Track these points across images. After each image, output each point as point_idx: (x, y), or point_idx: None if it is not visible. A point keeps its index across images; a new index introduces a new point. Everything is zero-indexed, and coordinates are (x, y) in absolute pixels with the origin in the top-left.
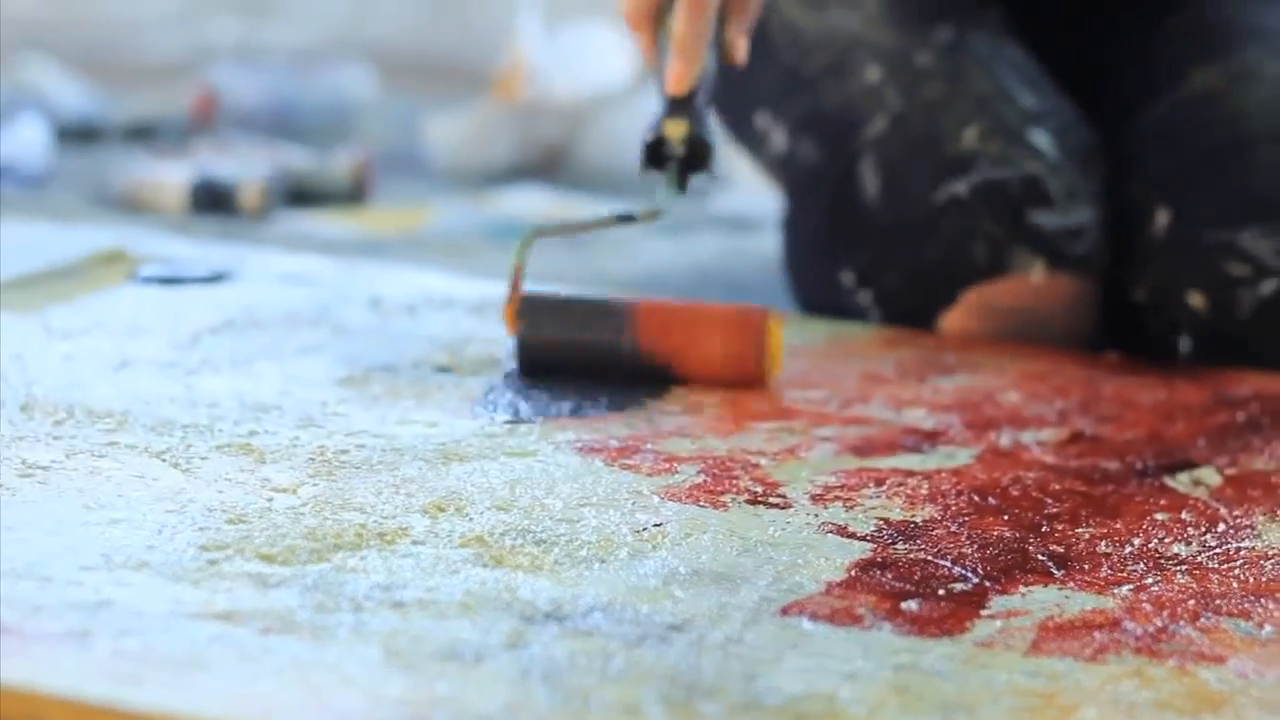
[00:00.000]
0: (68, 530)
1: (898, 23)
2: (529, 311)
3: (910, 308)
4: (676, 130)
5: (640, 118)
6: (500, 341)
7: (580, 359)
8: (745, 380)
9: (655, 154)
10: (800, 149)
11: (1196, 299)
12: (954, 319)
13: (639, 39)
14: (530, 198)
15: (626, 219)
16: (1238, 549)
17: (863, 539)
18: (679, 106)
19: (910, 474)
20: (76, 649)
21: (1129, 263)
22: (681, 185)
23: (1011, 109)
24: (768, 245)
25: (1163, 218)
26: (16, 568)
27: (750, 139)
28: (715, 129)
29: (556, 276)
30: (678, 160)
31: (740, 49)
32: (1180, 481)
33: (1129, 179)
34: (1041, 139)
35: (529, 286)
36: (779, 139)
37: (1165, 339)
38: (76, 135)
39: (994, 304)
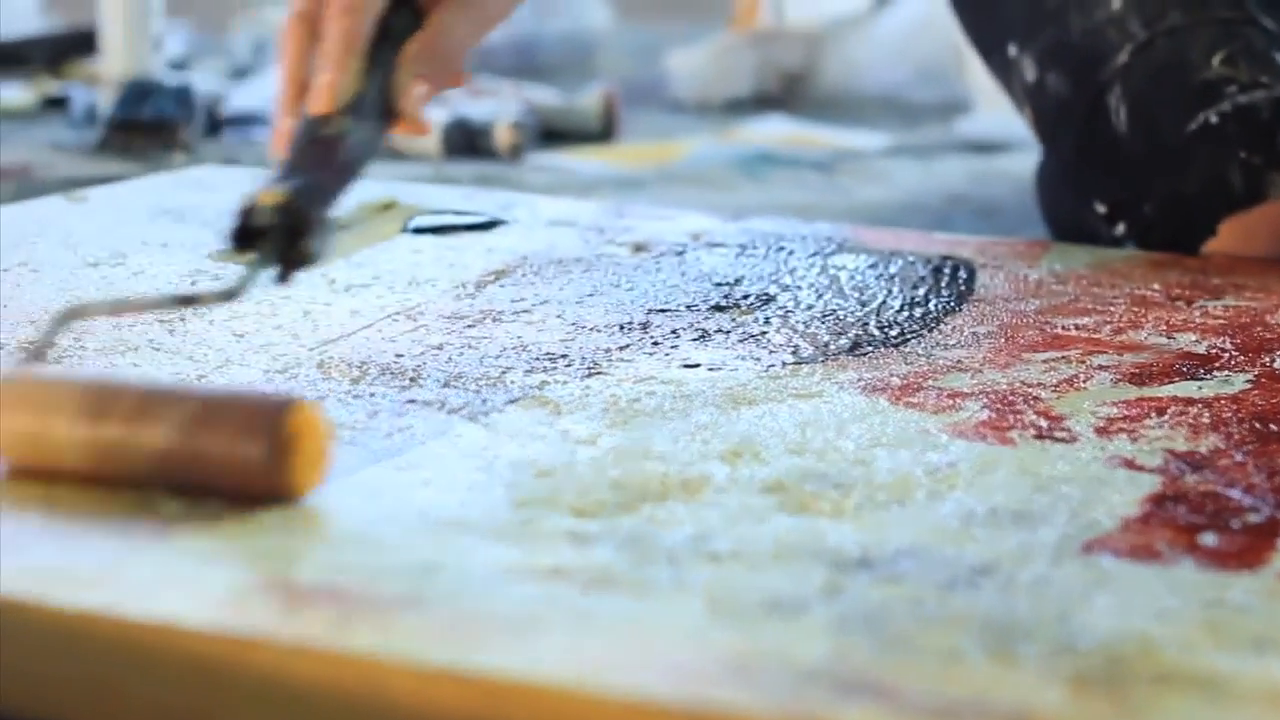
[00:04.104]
0: (384, 492)
1: None
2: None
3: (1168, 238)
4: (270, 198)
5: (881, 42)
6: (773, 279)
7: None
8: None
9: (245, 227)
10: (1048, 79)
11: None
12: (1214, 249)
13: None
14: (775, 126)
15: (188, 300)
16: None
17: (1151, 471)
18: (293, 171)
19: (1190, 402)
20: (414, 614)
21: None
22: (277, 266)
23: (1256, 33)
24: (1017, 166)
25: None
26: (346, 532)
27: (1002, 69)
28: (331, 212)
29: (805, 208)
30: (270, 233)
31: (412, 104)
32: None
33: None
34: None
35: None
36: (1028, 69)
37: None
38: None
39: (1255, 231)
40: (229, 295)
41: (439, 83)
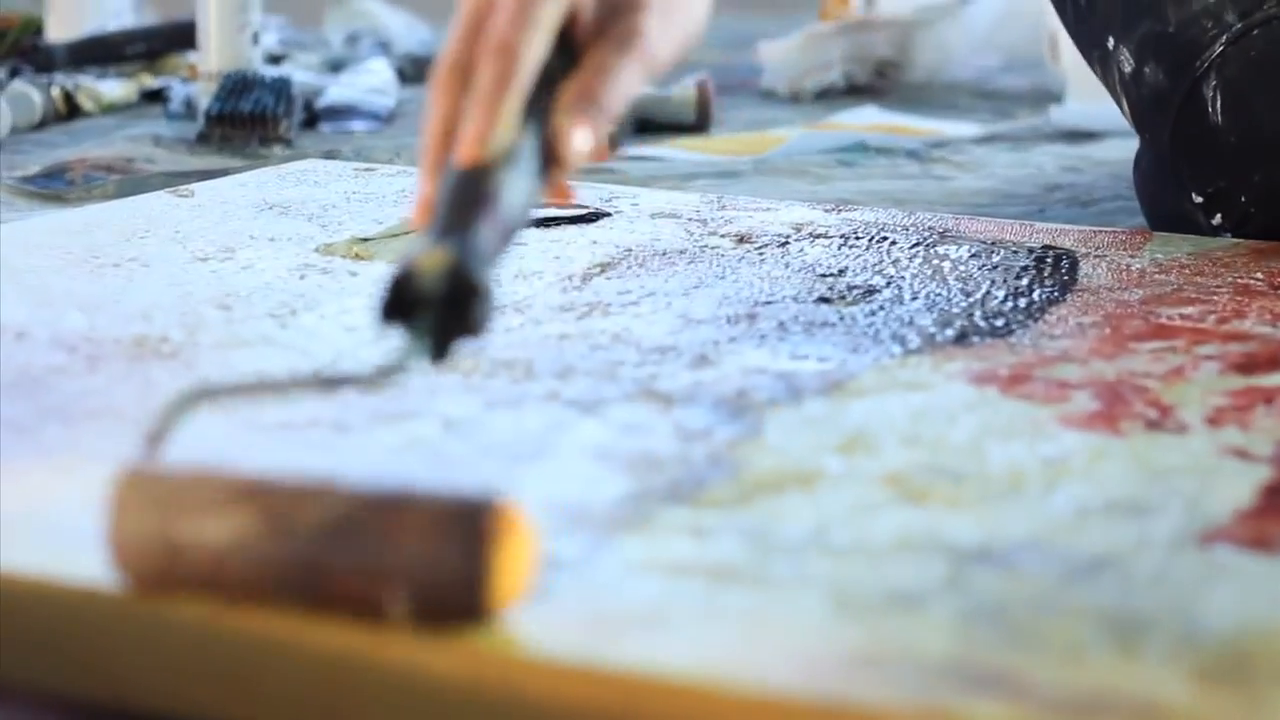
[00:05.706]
0: (503, 485)
1: None
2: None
3: (1265, 228)
4: (433, 262)
5: (971, 30)
6: (877, 269)
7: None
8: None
9: (401, 296)
10: (1145, 71)
11: None
12: None
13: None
14: (868, 116)
15: (333, 383)
16: None
17: (1263, 461)
18: (450, 229)
19: None
20: (541, 608)
21: None
22: (434, 343)
23: None
24: (1112, 155)
25: None
26: None
27: (1102, 62)
28: (494, 274)
29: (902, 198)
30: (431, 305)
31: (571, 144)
32: None
33: None
34: None
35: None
36: (1125, 61)
37: None
38: (414, 71)
39: None
40: (380, 378)
41: (599, 128)
